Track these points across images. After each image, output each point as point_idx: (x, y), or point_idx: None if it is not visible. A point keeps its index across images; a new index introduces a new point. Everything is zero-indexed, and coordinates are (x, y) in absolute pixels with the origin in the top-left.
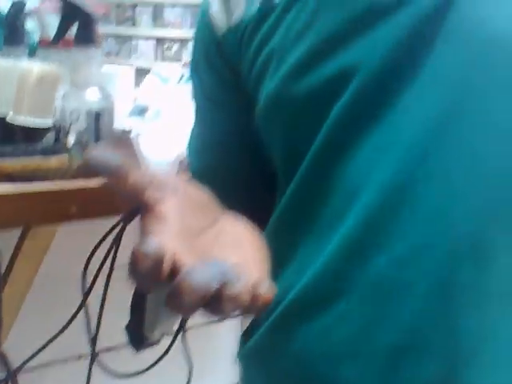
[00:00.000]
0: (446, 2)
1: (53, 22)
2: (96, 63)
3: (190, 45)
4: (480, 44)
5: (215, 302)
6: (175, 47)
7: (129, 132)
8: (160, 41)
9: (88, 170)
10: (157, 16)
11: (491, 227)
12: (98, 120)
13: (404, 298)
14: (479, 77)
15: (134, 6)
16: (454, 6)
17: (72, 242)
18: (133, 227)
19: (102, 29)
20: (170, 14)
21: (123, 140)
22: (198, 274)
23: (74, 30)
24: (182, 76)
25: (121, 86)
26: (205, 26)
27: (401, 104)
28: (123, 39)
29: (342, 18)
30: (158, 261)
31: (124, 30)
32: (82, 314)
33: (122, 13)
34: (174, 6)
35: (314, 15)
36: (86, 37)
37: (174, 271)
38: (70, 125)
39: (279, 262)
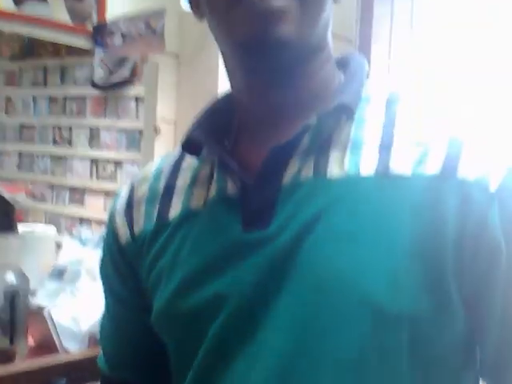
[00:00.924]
0: (296, 243)
1: None
2: (14, 248)
3: (125, 166)
4: (320, 283)
5: None
6: (110, 167)
7: (43, 308)
8: (95, 161)
9: None
10: (93, 138)
11: None
12: (14, 299)
13: None
14: (317, 314)
15: (71, 128)
16: (302, 245)
17: None
18: None
19: (38, 147)
20: (105, 137)
21: (37, 317)
22: None
23: None
24: (101, 239)
25: (41, 247)
26: (111, 232)
27: (262, 330)
28: (59, 158)
29: (217, 247)
30: None
31: (60, 150)
32: None
33: (58, 134)
34: (109, 129)
35: (196, 241)
36: (5, 224)
37: None
38: None
39: None
